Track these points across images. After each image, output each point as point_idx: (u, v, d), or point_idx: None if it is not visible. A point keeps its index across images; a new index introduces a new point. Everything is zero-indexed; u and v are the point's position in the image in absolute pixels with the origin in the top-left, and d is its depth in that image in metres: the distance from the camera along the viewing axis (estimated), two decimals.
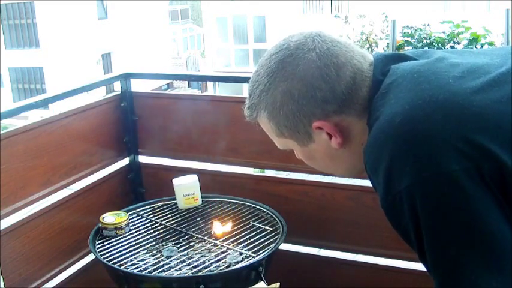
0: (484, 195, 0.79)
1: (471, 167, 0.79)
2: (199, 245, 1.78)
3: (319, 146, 1.01)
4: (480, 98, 0.83)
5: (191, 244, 1.78)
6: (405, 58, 0.98)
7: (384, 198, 0.86)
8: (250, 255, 1.67)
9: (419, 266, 1.63)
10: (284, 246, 1.85)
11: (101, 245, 1.75)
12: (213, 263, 1.66)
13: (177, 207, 1.97)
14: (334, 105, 0.95)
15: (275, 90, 0.97)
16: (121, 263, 1.66)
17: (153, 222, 1.91)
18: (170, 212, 1.96)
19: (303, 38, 0.98)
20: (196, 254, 1.72)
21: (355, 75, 0.95)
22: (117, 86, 2.22)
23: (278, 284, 1.50)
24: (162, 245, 1.78)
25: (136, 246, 1.76)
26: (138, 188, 2.29)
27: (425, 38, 6.19)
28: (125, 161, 2.27)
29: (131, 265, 1.66)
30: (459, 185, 0.78)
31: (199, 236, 1.82)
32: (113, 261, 1.66)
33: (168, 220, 1.91)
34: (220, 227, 1.82)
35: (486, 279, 0.78)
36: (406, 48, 6.11)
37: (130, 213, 1.93)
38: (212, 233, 1.82)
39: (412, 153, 0.82)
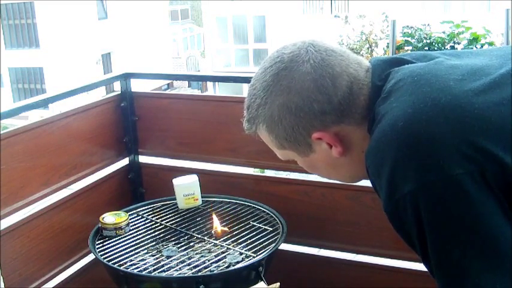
0: (487, 198, 0.79)
1: (475, 170, 0.78)
2: (199, 245, 1.78)
3: (320, 156, 1.01)
4: (481, 100, 0.83)
5: (191, 244, 1.78)
6: (403, 62, 0.97)
7: (386, 202, 0.86)
8: (250, 255, 1.67)
9: (419, 266, 1.63)
10: (284, 246, 1.85)
11: (101, 245, 1.75)
12: (213, 263, 1.66)
13: (177, 207, 1.97)
14: (332, 116, 0.95)
15: (272, 104, 0.96)
16: (121, 263, 1.66)
17: (153, 222, 1.91)
18: (170, 212, 1.96)
19: (296, 49, 0.97)
20: (196, 254, 1.72)
21: (351, 84, 0.95)
22: (117, 86, 2.22)
23: (278, 284, 1.50)
24: (162, 245, 1.78)
25: (136, 246, 1.76)
26: (138, 188, 2.29)
27: (425, 38, 6.19)
28: (125, 161, 2.27)
29: (131, 265, 1.66)
30: (463, 189, 0.78)
31: (199, 236, 1.82)
32: (113, 261, 1.66)
33: (168, 220, 1.91)
34: (220, 226, 1.82)
35: (490, 282, 0.78)
36: (406, 48, 6.11)
37: (130, 213, 1.93)
38: (212, 232, 1.82)
39: (415, 157, 0.82)
